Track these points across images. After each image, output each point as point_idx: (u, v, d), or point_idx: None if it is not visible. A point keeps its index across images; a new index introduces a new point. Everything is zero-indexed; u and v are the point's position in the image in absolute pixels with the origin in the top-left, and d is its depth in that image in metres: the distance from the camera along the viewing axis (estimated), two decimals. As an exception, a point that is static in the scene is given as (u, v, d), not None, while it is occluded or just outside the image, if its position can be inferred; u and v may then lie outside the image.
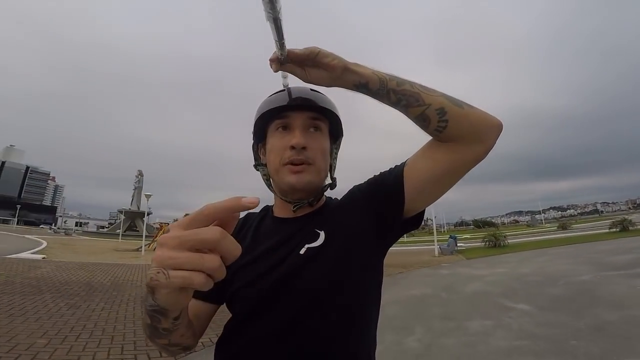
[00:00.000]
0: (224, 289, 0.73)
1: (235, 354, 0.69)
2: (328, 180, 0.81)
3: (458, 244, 21.28)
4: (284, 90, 0.75)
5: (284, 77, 0.71)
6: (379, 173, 0.78)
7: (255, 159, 0.83)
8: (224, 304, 0.78)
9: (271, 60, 0.63)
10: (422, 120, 0.64)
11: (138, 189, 55.25)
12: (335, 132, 0.81)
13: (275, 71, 0.65)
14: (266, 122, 0.77)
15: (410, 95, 0.62)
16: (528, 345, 3.51)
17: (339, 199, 0.83)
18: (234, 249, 0.35)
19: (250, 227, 0.81)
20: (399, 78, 0.64)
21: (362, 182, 0.80)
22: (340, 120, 0.81)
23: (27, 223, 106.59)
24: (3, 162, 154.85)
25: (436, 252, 18.02)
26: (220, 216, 0.36)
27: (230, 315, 0.75)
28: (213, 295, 0.73)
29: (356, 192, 0.79)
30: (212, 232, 0.34)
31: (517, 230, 62.52)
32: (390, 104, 0.64)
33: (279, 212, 0.81)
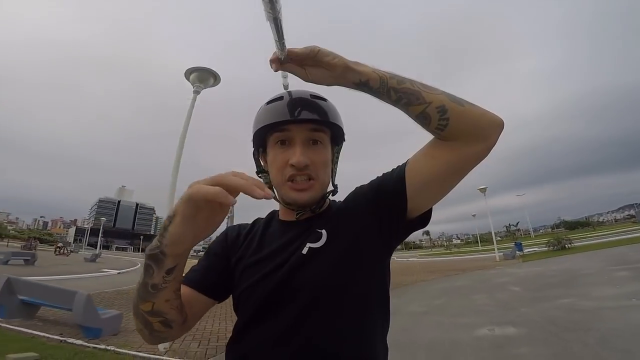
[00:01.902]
0: (227, 288, 0.79)
1: (243, 354, 0.70)
2: (330, 187, 0.82)
3: (525, 250, 23.14)
4: (281, 97, 0.75)
5: (284, 77, 0.74)
6: (381, 174, 0.78)
7: (257, 166, 0.83)
8: (220, 302, 0.80)
9: (271, 61, 0.64)
10: (423, 119, 0.64)
11: (231, 217, 63.82)
12: (336, 139, 0.82)
13: (276, 71, 0.66)
14: (265, 133, 0.76)
15: (411, 94, 0.63)
16: (492, 303, 7.04)
17: (343, 200, 0.83)
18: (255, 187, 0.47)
19: (257, 230, 0.84)
20: (399, 76, 0.64)
21: (365, 183, 0.80)
22: (342, 128, 0.80)
23: (140, 250, 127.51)
24: (119, 201, 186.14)
25: (497, 258, 20.51)
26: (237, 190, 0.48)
27: (239, 317, 0.76)
28: (209, 287, 0.78)
29: (359, 193, 0.79)
30: (236, 179, 0.48)
31: (614, 228, 57.29)
32: (391, 102, 0.64)
33: (284, 216, 0.83)
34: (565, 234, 25.14)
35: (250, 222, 0.91)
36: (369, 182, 0.79)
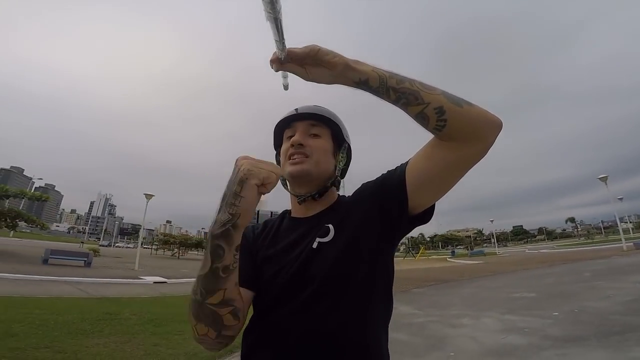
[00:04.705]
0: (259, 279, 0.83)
1: (257, 338, 0.77)
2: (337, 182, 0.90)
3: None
4: (294, 109, 0.89)
5: (284, 77, 0.74)
6: (386, 171, 0.81)
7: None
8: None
9: (272, 61, 0.65)
10: (421, 119, 0.65)
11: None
12: (338, 138, 0.92)
13: (277, 71, 0.67)
14: (279, 133, 0.93)
15: (410, 94, 0.63)
16: (550, 283, 9.75)
17: (351, 195, 0.89)
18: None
19: (271, 228, 0.92)
20: (399, 76, 0.65)
21: (371, 179, 0.85)
22: (340, 129, 0.91)
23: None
24: (258, 211, 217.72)
25: (625, 248, 20.44)
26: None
27: (255, 306, 0.82)
28: (248, 280, 0.80)
29: (365, 189, 0.84)
30: (276, 167, 0.62)
31: None
32: (391, 101, 0.65)
33: (295, 213, 0.91)
34: None
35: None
36: (374, 178, 0.83)
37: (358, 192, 0.86)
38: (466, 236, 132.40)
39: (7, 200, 19.09)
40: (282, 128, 0.91)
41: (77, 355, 3.58)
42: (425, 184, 0.71)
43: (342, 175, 0.93)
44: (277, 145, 0.95)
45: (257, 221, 0.98)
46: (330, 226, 0.80)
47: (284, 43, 0.59)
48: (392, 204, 0.75)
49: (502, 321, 5.54)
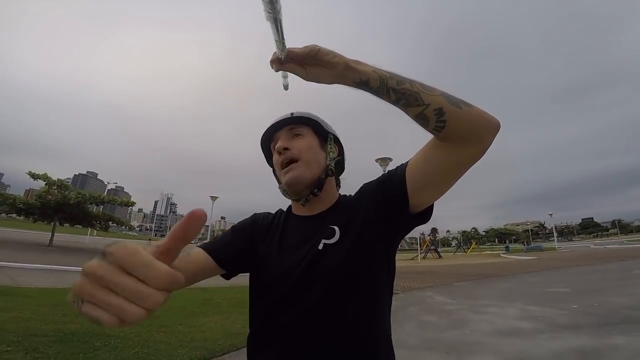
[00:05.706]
0: (239, 267, 0.87)
1: (267, 340, 0.77)
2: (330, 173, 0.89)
3: None
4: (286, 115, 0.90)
5: (284, 77, 0.74)
6: (386, 171, 0.83)
7: (278, 182, 0.95)
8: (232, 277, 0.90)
9: (272, 61, 0.65)
10: (421, 120, 0.65)
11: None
12: (320, 132, 0.93)
13: (277, 71, 0.67)
14: (268, 151, 0.96)
15: (410, 95, 0.64)
16: (588, 279, 10.13)
17: (352, 195, 0.90)
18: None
19: (278, 224, 0.93)
20: (399, 77, 0.65)
21: (372, 180, 0.86)
22: (319, 123, 0.92)
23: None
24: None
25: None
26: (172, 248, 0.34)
27: (258, 307, 0.83)
28: (224, 259, 0.84)
29: (366, 190, 0.85)
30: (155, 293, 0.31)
31: None
32: (391, 102, 0.66)
33: (298, 212, 0.93)
34: None
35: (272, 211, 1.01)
36: (375, 179, 0.85)
37: (360, 193, 0.87)
38: (524, 230, 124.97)
39: (95, 206, 22.39)
40: (267, 144, 0.95)
41: (201, 327, 5.09)
42: (425, 183, 0.73)
43: (340, 167, 0.97)
44: (269, 160, 0.98)
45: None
46: (336, 228, 0.81)
47: (284, 43, 0.59)
48: (394, 204, 0.76)
49: (523, 310, 6.47)
